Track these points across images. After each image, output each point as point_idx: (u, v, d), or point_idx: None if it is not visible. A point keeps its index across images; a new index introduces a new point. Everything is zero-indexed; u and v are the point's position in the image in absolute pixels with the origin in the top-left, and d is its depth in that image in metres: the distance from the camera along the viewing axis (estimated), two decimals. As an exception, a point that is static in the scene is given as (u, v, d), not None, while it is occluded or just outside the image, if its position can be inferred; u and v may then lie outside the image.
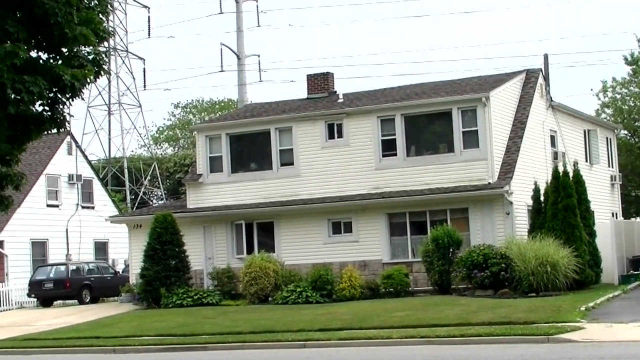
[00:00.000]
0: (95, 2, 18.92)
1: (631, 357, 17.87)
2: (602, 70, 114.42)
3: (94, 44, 18.81)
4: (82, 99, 19.50)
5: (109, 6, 19.72)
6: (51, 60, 18.52)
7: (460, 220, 33.91)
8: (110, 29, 19.78)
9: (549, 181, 32.97)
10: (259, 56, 59.48)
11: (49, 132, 20.05)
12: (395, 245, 34.98)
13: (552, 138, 38.57)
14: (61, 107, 19.22)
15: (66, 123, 19.68)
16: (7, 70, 17.02)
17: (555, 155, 38.09)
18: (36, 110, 18.95)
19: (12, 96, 17.87)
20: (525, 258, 30.41)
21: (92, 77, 18.97)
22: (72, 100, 18.98)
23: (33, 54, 18.56)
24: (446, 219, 33.83)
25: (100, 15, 18.92)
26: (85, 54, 19.00)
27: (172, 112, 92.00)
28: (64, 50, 18.52)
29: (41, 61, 18.37)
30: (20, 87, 17.32)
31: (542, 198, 32.97)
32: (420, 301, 29.90)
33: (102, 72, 19.45)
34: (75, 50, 18.53)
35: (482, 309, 26.55)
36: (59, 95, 18.77)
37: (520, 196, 33.95)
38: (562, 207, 31.87)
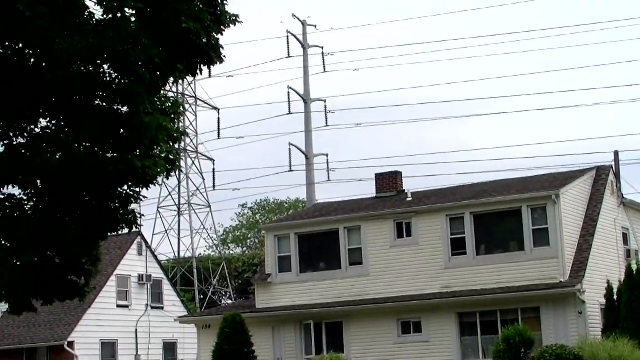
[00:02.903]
0: (169, 104, 19.22)
1: None
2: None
3: (164, 144, 19.05)
4: (159, 184, 19.67)
5: (180, 107, 20.01)
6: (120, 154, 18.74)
7: (532, 320, 33.38)
8: (182, 129, 20.07)
9: (622, 280, 32.43)
10: (327, 156, 59.51)
11: (120, 230, 20.18)
12: (466, 345, 34.49)
13: (625, 236, 38.05)
14: (132, 203, 19.42)
15: (137, 222, 19.86)
16: (80, 157, 17.26)
17: (628, 253, 37.53)
18: (109, 207, 19.16)
19: (87, 198, 18.17)
20: (597, 358, 29.75)
21: (163, 169, 19.13)
22: (146, 188, 19.10)
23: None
24: (517, 319, 33.32)
25: (172, 115, 19.21)
26: (157, 152, 19.23)
27: (240, 213, 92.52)
28: (135, 151, 18.75)
29: (109, 155, 18.62)
30: (92, 168, 17.50)
31: (615, 297, 32.40)
32: (492, 403, 29.32)
33: (173, 169, 19.66)
34: (146, 149, 18.77)
35: (556, 411, 25.93)
36: (131, 190, 18.99)
37: (593, 295, 33.38)
38: (636, 306, 31.25)
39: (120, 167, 17.95)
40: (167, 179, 20.90)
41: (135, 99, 17.61)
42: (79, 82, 17.59)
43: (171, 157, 19.47)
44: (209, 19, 18.53)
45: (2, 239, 18.05)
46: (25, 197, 18.61)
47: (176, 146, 21.35)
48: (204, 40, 18.58)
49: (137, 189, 19.30)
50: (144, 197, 19.76)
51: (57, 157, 17.17)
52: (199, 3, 18.61)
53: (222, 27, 19.06)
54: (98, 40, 17.16)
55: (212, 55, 18.96)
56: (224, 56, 19.35)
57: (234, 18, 19.20)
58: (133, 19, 18.19)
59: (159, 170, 18.80)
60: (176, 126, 19.57)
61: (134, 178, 18.53)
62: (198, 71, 19.57)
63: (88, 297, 21.82)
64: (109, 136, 18.14)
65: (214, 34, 18.92)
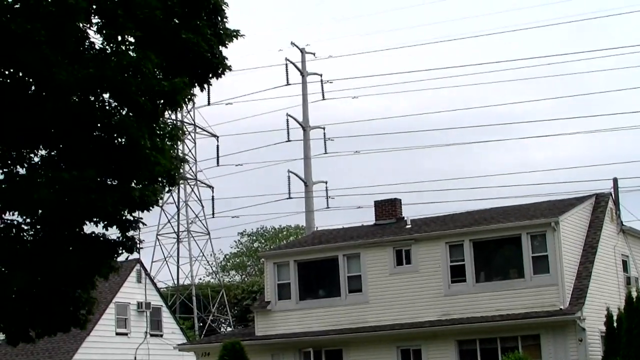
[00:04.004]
0: (168, 130, 19.24)
1: None
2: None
3: (166, 169, 19.03)
4: (159, 205, 19.63)
5: (179, 132, 20.03)
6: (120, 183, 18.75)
7: (532, 347, 33.27)
8: (181, 154, 20.15)
9: (622, 307, 32.38)
10: (326, 183, 59.41)
11: (118, 254, 20.15)
12: (466, 372, 34.37)
13: (624, 263, 38.01)
14: (132, 229, 19.41)
15: (136, 247, 19.85)
16: (78, 193, 17.26)
17: (628, 281, 37.47)
18: (107, 237, 19.15)
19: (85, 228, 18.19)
20: (599, 386, 29.68)
21: (161, 193, 19.15)
22: (143, 211, 19.08)
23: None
24: (517, 346, 33.21)
25: (173, 141, 19.23)
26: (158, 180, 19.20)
27: (239, 240, 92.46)
28: (135, 182, 18.76)
29: (109, 181, 18.62)
30: (88, 205, 17.48)
31: (615, 324, 32.34)
32: None
33: (175, 182, 19.65)
34: (146, 179, 18.77)
35: None
36: (130, 215, 18.99)
37: (593, 322, 33.32)
38: (636, 333, 31.17)
39: (118, 202, 17.97)
40: (169, 192, 20.95)
41: (135, 133, 17.63)
42: (79, 112, 17.61)
43: (173, 174, 19.42)
44: (210, 34, 18.62)
45: (1, 266, 18.04)
46: (24, 225, 18.62)
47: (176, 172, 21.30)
48: (207, 50, 18.65)
49: (135, 215, 19.30)
50: (144, 223, 19.75)
51: (56, 194, 17.15)
52: (198, 22, 18.69)
53: (226, 42, 19.13)
54: (98, 69, 17.20)
55: (215, 61, 19.01)
56: (230, 66, 19.36)
57: (235, 33, 19.27)
58: (132, 47, 18.27)
59: (157, 197, 18.82)
60: (176, 150, 19.60)
61: (132, 207, 18.56)
62: (203, 85, 19.59)
63: (87, 324, 21.80)
64: (108, 168, 18.15)
65: (216, 47, 18.99)
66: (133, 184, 18.63)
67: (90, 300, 20.32)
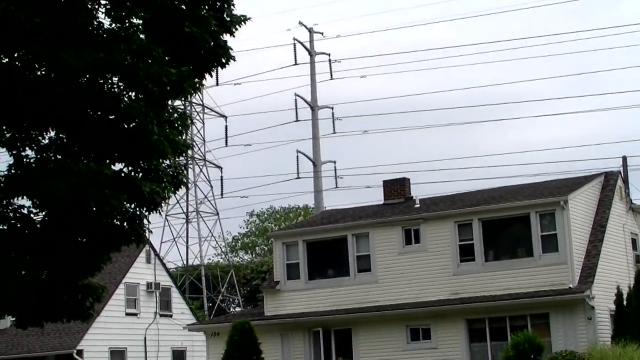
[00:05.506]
0: (176, 115, 19.21)
1: None
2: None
3: (171, 156, 19.03)
4: (160, 213, 19.76)
5: (188, 120, 20.03)
6: (132, 173, 18.80)
7: (541, 326, 33.30)
8: (189, 140, 20.15)
9: (632, 285, 32.36)
10: (334, 162, 59.31)
11: (128, 245, 20.23)
12: (474, 351, 34.40)
13: (634, 241, 37.97)
14: (139, 222, 19.45)
15: (145, 237, 19.91)
16: (93, 188, 17.29)
17: (637, 259, 37.44)
18: (117, 224, 19.16)
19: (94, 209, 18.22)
20: (607, 364, 29.66)
21: (170, 191, 19.22)
22: (150, 213, 19.23)
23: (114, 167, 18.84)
24: (527, 325, 33.24)
25: (180, 128, 19.21)
26: (165, 167, 19.26)
27: (248, 220, 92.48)
28: (143, 163, 18.76)
29: (123, 174, 18.65)
30: (102, 200, 17.54)
31: (625, 303, 32.34)
32: (502, 409, 29.23)
33: (180, 185, 19.71)
34: (154, 163, 18.79)
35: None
36: (138, 210, 19.03)
37: (602, 301, 33.31)
38: (646, 311, 31.19)
39: (130, 198, 18.02)
40: (174, 193, 20.99)
41: (143, 120, 17.63)
42: (88, 96, 17.60)
43: (179, 174, 19.50)
44: (215, 24, 18.57)
45: (11, 251, 18.05)
46: (34, 210, 18.64)
47: (182, 160, 21.46)
48: (211, 43, 18.61)
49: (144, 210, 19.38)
50: (149, 221, 19.82)
51: (71, 187, 17.18)
52: (204, 8, 18.63)
53: (232, 29, 19.07)
54: (108, 54, 17.16)
55: (220, 51, 18.96)
56: (233, 57, 19.31)
57: (242, 18, 19.19)
58: (141, 29, 18.23)
59: (166, 195, 18.89)
60: (183, 138, 19.59)
61: (141, 202, 18.62)
62: (208, 75, 19.56)
63: (97, 305, 21.87)
64: (118, 152, 18.17)
65: (221, 36, 18.94)
66: (142, 177, 18.67)
67: (98, 287, 20.32)
